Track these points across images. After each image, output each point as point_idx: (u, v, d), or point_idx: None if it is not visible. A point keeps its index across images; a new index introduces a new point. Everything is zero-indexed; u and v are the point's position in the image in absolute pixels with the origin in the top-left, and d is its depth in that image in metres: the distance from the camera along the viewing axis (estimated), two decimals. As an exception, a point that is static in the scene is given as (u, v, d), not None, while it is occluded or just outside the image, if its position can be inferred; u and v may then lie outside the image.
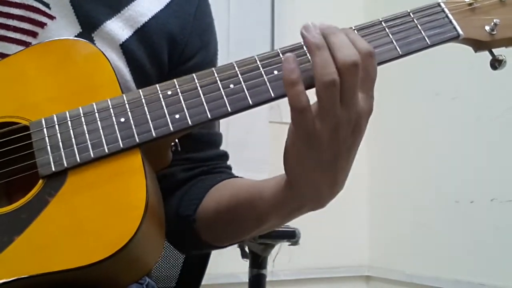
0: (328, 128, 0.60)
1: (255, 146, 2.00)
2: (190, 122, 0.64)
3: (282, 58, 0.63)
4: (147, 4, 0.84)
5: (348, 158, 0.63)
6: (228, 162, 0.93)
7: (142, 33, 0.83)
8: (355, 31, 0.67)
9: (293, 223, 1.32)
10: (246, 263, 1.27)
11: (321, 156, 0.62)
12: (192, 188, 0.84)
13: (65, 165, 0.62)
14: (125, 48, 0.81)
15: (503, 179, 1.83)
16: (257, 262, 1.25)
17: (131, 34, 0.82)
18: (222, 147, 0.94)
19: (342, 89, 0.59)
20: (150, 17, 0.84)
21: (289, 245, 1.28)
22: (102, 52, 0.70)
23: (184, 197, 0.83)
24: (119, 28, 0.81)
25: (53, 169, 0.62)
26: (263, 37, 2.21)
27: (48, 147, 0.63)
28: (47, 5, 0.79)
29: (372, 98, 0.62)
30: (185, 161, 0.85)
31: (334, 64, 0.59)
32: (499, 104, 1.85)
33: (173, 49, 0.86)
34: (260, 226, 0.75)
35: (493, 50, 0.71)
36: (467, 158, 1.97)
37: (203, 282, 1.09)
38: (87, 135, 0.63)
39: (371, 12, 2.39)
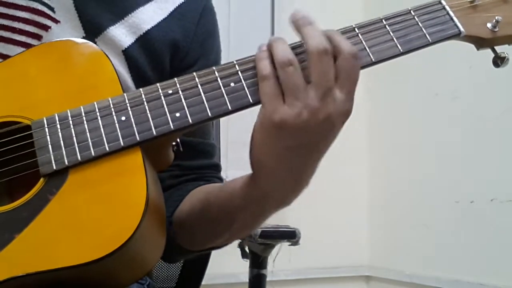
0: (295, 114, 0.61)
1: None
2: (190, 121, 0.64)
3: None
4: (150, 13, 0.85)
5: (316, 154, 0.65)
6: (228, 163, 0.92)
7: (145, 40, 0.84)
8: (356, 29, 0.67)
9: (293, 223, 1.33)
10: (246, 263, 1.28)
11: (287, 142, 0.63)
12: (175, 192, 0.84)
13: (66, 163, 0.62)
14: (128, 54, 0.82)
15: (503, 179, 1.83)
16: (257, 262, 1.25)
17: (133, 41, 0.83)
18: (223, 146, 0.94)
19: (312, 75, 0.61)
20: (153, 25, 0.85)
21: (289, 245, 1.28)
22: (103, 52, 0.71)
23: (167, 199, 0.83)
24: (122, 34, 0.82)
25: (54, 167, 0.62)
26: (263, 37, 2.21)
27: (50, 145, 0.63)
28: (52, 9, 0.80)
29: (352, 101, 0.63)
30: (175, 168, 0.84)
31: (291, 50, 0.63)
32: (499, 104, 1.86)
33: (175, 56, 0.86)
34: (231, 225, 0.75)
35: (496, 48, 0.71)
36: (467, 158, 1.97)
37: (203, 282, 1.09)
38: (88, 133, 0.63)
39: (371, 12, 2.39)
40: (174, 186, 0.86)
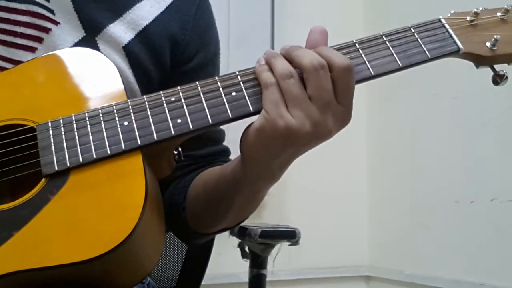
0: (299, 124, 0.63)
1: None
2: (191, 127, 0.66)
3: None
4: (148, 8, 0.87)
5: (307, 149, 0.68)
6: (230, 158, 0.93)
7: (144, 35, 0.85)
8: (356, 44, 0.69)
9: (293, 223, 1.33)
10: (246, 263, 1.28)
11: (286, 146, 0.66)
12: (183, 179, 0.87)
13: (68, 164, 0.63)
14: (128, 51, 0.83)
15: (503, 179, 1.83)
16: (257, 262, 1.25)
17: (133, 37, 0.84)
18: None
19: (311, 90, 0.64)
20: (151, 20, 0.86)
21: (289, 245, 1.28)
22: (109, 60, 0.73)
23: (177, 185, 0.86)
24: (121, 31, 0.84)
25: (56, 168, 0.63)
26: (263, 37, 2.21)
27: (53, 147, 0.65)
28: (51, 11, 0.82)
29: (350, 112, 0.66)
30: (185, 158, 0.86)
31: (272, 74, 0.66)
32: (499, 104, 1.86)
33: (175, 50, 0.88)
34: (229, 208, 0.77)
35: (495, 66, 0.72)
36: (467, 158, 1.97)
37: (203, 282, 1.10)
38: (90, 136, 0.65)
39: (370, 12, 2.39)
40: (184, 176, 0.88)
